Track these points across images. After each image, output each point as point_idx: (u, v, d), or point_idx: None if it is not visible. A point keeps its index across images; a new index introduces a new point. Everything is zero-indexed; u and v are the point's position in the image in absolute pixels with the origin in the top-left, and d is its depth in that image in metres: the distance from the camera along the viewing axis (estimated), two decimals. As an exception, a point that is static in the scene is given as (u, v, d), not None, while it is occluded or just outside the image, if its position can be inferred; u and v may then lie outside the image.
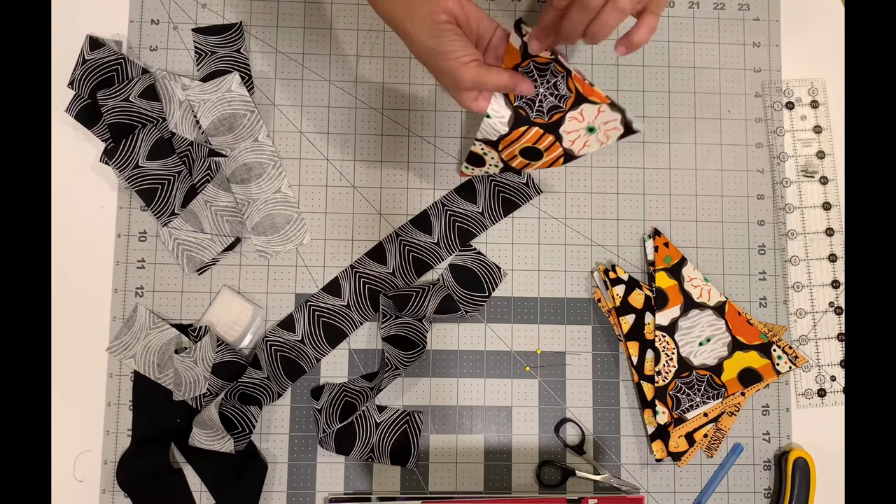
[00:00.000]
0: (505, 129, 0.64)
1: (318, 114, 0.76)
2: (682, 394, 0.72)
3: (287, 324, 0.72)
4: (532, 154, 0.66)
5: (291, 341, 0.71)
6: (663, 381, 0.72)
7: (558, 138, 0.65)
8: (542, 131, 0.64)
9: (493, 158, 0.68)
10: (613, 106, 0.62)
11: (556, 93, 0.63)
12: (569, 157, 0.67)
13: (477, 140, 0.66)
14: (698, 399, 0.72)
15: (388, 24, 0.62)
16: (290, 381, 0.71)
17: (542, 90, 0.64)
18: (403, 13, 0.59)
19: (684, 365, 0.73)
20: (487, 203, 0.75)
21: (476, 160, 0.69)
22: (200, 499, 0.69)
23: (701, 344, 0.73)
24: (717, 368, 0.73)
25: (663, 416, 0.71)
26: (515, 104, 0.64)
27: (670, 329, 0.73)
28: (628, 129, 0.63)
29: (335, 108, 0.76)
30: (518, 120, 0.64)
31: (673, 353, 0.73)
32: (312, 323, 0.72)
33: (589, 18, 0.56)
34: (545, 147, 0.65)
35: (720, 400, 0.72)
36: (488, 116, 0.63)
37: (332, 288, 0.73)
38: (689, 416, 0.72)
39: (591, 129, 0.64)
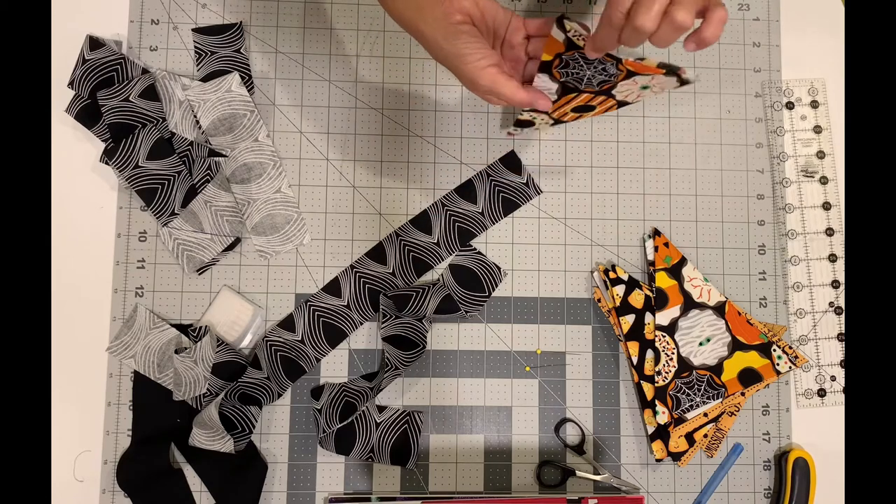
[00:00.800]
0: (554, 97, 0.63)
1: (318, 114, 0.76)
2: (682, 394, 0.72)
3: (287, 324, 0.72)
4: (584, 109, 0.66)
5: (291, 341, 0.71)
6: (663, 381, 0.72)
7: (610, 96, 0.63)
8: (592, 94, 0.63)
9: (542, 119, 0.68)
10: (669, 72, 0.58)
11: (605, 73, 0.61)
12: (622, 104, 0.66)
13: (524, 111, 0.65)
14: (698, 399, 0.72)
15: (401, 26, 0.60)
16: (290, 381, 0.71)
17: (589, 73, 0.61)
18: (416, 14, 0.57)
19: (684, 365, 0.73)
20: (487, 203, 0.75)
21: (524, 123, 0.70)
22: (200, 499, 0.69)
23: (701, 344, 0.73)
24: (717, 368, 0.73)
25: (663, 416, 0.71)
26: (562, 80, 0.61)
27: (670, 329, 0.73)
28: (683, 83, 0.60)
29: (335, 108, 0.76)
30: (566, 90, 0.62)
31: (673, 353, 0.73)
32: (312, 323, 0.72)
33: (644, 39, 0.52)
34: (597, 103, 0.65)
35: (720, 400, 0.72)
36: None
37: (332, 288, 0.73)
38: (689, 416, 0.72)
39: (644, 87, 0.62)
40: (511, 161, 0.75)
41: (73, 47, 0.72)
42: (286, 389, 0.71)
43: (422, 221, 0.74)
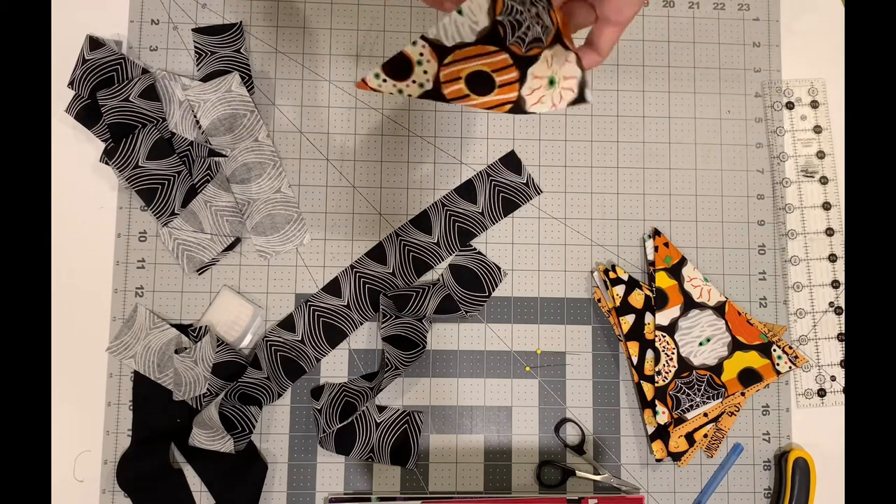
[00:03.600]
0: (471, 38, 0.50)
1: (318, 114, 0.76)
2: (682, 394, 0.72)
3: (287, 324, 0.72)
4: (480, 84, 0.53)
5: (291, 341, 0.71)
6: (663, 381, 0.72)
7: (522, 78, 0.52)
8: (510, 62, 0.51)
9: (425, 72, 0.52)
10: (579, 61, 0.52)
11: (540, 22, 0.51)
12: (517, 107, 0.54)
13: (423, 38, 0.50)
14: (698, 399, 0.72)
15: None
16: (290, 381, 0.71)
17: (528, 21, 0.51)
18: None
19: (684, 365, 0.73)
20: (487, 203, 0.75)
21: (400, 69, 0.53)
22: (200, 499, 0.69)
23: (701, 344, 0.73)
24: (717, 368, 0.73)
25: (663, 416, 0.71)
26: (498, 18, 0.51)
27: (670, 329, 0.73)
28: (580, 97, 0.53)
29: (335, 108, 0.76)
30: (492, 37, 0.50)
31: (673, 353, 0.73)
32: (312, 323, 0.72)
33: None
34: (501, 82, 0.53)
35: (720, 400, 0.72)
36: (459, 12, 0.50)
37: (332, 288, 0.73)
38: (689, 416, 0.72)
39: (552, 82, 0.53)
40: (511, 161, 0.75)
41: (73, 47, 0.72)
42: (286, 389, 0.71)
43: (422, 221, 0.74)
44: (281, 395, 0.71)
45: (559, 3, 0.53)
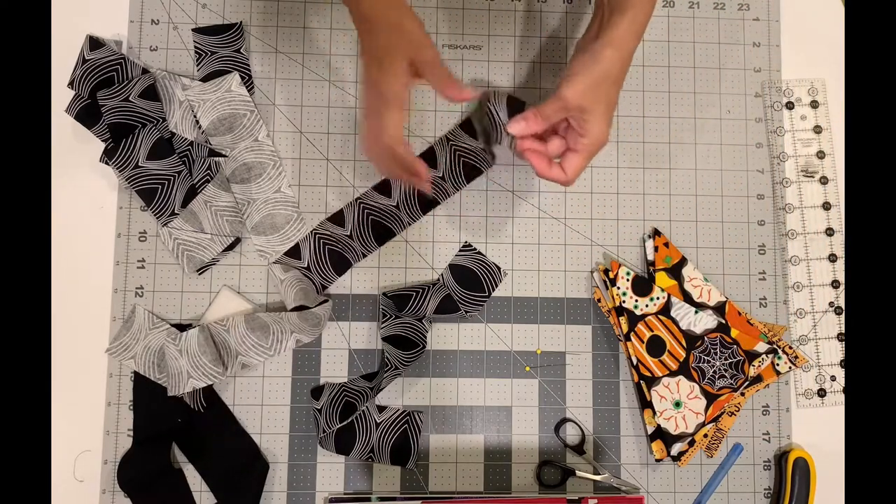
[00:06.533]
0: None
1: (318, 114, 0.76)
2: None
3: (336, 219, 0.73)
4: (656, 348, 0.73)
5: (340, 235, 0.72)
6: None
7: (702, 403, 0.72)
8: (702, 401, 0.72)
9: (635, 302, 0.73)
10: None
11: (732, 372, 0.72)
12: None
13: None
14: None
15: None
16: (337, 274, 0.72)
17: (718, 363, 0.72)
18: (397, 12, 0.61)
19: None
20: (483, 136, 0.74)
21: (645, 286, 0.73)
22: (200, 499, 0.69)
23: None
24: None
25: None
26: (693, 365, 0.72)
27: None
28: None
29: (335, 108, 0.76)
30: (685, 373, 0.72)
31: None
32: (361, 220, 0.73)
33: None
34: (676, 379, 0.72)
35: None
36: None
37: (383, 188, 0.74)
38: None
39: (677, 404, 0.71)
40: (468, 127, 0.75)
41: (73, 47, 0.72)
42: (331, 282, 0.72)
43: (427, 159, 0.74)
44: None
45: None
